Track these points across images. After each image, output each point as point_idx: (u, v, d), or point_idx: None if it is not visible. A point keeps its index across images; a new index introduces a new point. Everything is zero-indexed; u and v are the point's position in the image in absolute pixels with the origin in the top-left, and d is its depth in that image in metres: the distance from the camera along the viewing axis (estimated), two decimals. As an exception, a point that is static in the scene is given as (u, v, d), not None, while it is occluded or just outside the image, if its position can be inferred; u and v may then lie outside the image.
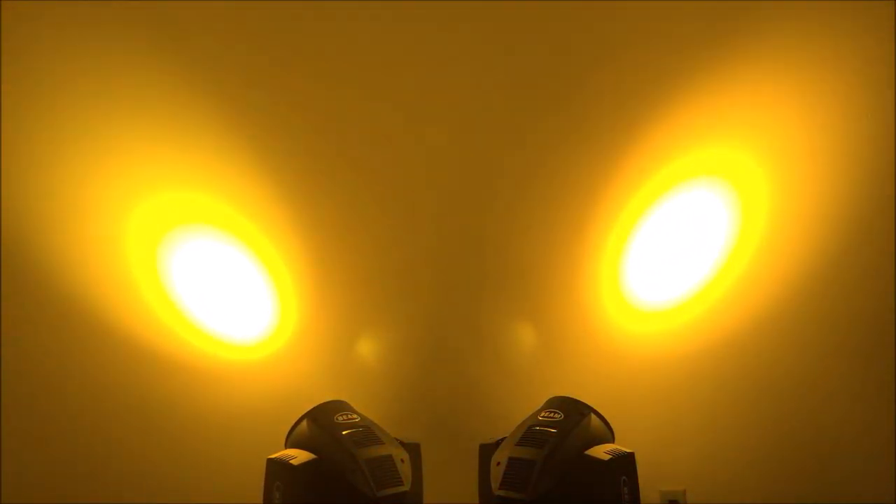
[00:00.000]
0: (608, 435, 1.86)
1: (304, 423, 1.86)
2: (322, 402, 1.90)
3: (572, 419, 1.81)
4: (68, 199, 2.17)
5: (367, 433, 1.81)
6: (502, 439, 1.86)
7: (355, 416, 1.86)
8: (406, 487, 1.75)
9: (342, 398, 1.94)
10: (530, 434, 1.79)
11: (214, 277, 2.17)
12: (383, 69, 2.18)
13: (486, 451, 1.88)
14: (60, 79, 2.16)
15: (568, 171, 2.17)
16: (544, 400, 1.92)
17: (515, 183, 2.18)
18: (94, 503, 2.13)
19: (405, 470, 1.77)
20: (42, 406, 2.18)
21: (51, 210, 2.16)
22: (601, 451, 1.76)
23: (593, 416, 1.85)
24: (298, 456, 1.77)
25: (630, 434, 1.91)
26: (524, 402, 1.96)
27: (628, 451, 1.76)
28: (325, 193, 2.19)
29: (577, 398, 1.89)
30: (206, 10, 2.17)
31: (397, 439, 1.86)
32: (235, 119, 2.16)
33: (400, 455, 1.79)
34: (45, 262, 2.16)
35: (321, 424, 1.83)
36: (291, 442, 1.87)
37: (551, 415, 1.83)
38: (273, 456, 1.78)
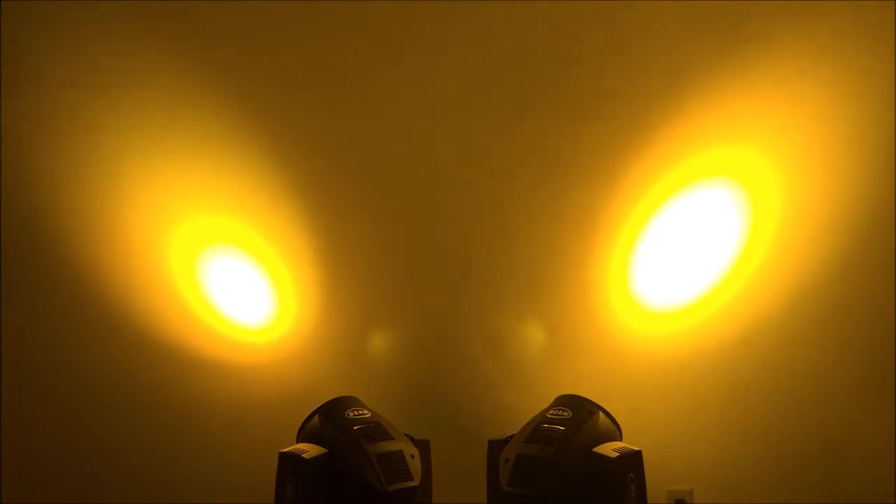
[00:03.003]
0: (616, 433, 1.87)
1: (316, 418, 1.88)
2: (334, 397, 1.92)
3: (580, 417, 1.82)
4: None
5: (378, 429, 1.82)
6: (511, 436, 1.88)
7: (366, 411, 1.88)
8: (415, 482, 1.76)
9: (353, 394, 1.96)
10: (539, 431, 1.81)
11: (236, 285, 2.22)
12: (397, 78, 2.20)
13: (495, 447, 1.89)
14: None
15: (579, 172, 2.18)
16: (553, 398, 1.93)
17: (527, 183, 2.20)
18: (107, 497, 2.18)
19: (415, 465, 1.79)
20: (58, 401, 2.22)
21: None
22: (609, 449, 1.76)
23: (601, 414, 1.86)
24: (310, 450, 1.79)
25: (637, 433, 1.92)
26: (533, 400, 1.97)
27: (636, 448, 1.76)
28: (338, 199, 2.22)
29: (586, 396, 1.90)
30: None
31: (407, 435, 1.87)
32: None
33: (410, 451, 1.81)
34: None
35: (332, 420, 1.84)
36: (303, 436, 1.88)
37: (560, 412, 1.84)
38: (285, 450, 1.79)
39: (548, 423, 1.82)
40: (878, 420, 2.13)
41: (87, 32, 2.20)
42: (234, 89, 2.19)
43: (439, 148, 2.21)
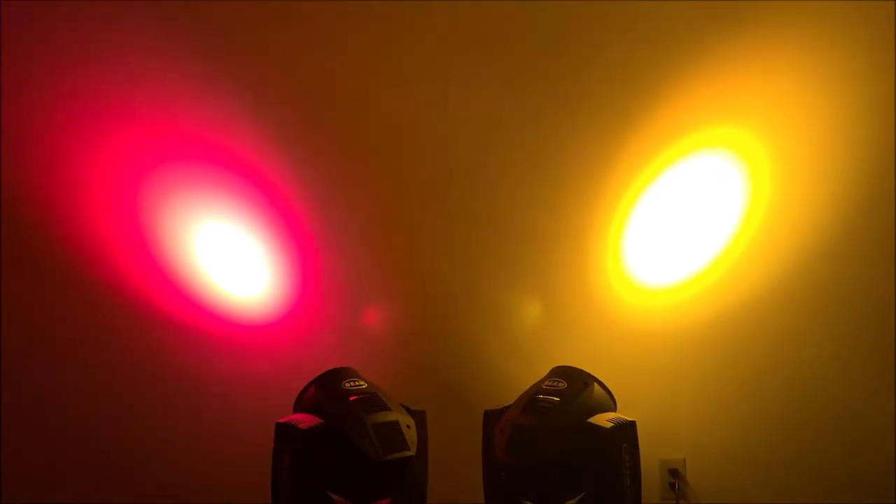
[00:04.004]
0: (610, 404, 1.88)
1: (313, 388, 1.88)
2: (330, 368, 1.92)
3: (575, 388, 1.83)
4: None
5: (374, 399, 1.83)
6: (507, 407, 1.89)
7: (362, 382, 1.88)
8: (411, 452, 1.77)
9: (350, 366, 1.95)
10: (534, 402, 1.82)
11: (235, 257, 2.23)
12: (404, 58, 2.22)
13: (491, 417, 1.90)
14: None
15: (577, 145, 2.19)
16: (548, 369, 1.93)
17: (525, 158, 2.20)
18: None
19: (411, 435, 1.80)
20: (59, 382, 2.23)
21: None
22: (603, 420, 1.77)
23: (596, 385, 1.87)
24: (306, 420, 1.79)
25: (632, 405, 1.93)
26: (529, 371, 1.98)
27: (630, 419, 1.78)
28: (338, 173, 2.23)
29: (581, 368, 1.91)
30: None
31: (403, 405, 1.88)
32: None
33: (406, 421, 1.82)
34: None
35: (329, 390, 1.85)
36: (300, 407, 1.89)
37: (555, 383, 1.85)
38: (282, 420, 1.80)
39: (543, 394, 1.83)
40: (875, 389, 2.15)
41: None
42: (236, 66, 2.20)
43: (444, 125, 2.22)
